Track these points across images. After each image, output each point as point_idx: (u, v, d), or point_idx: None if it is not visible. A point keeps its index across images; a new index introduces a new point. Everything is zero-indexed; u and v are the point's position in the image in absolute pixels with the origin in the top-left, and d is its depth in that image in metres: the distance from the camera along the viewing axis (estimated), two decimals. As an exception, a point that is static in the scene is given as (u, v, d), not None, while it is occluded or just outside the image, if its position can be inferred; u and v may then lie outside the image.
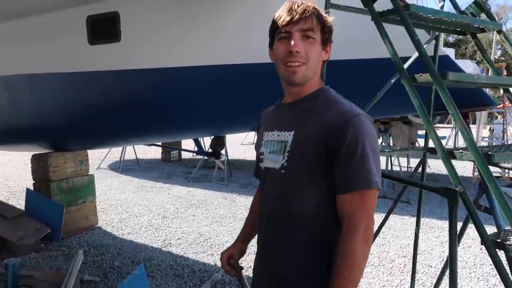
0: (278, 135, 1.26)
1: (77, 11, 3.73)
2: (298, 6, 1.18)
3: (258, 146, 1.37)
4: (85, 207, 5.09)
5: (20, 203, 5.73)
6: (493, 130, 10.67)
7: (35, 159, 4.86)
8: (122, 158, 9.93)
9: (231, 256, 1.47)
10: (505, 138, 9.25)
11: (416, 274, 2.99)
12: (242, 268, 1.48)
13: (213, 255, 4.18)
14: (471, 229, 2.98)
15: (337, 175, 1.15)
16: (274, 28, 1.23)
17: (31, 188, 4.99)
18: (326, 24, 1.22)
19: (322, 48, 1.23)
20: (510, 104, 9.25)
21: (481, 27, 2.30)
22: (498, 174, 7.54)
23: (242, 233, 1.53)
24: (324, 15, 1.23)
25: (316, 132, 1.17)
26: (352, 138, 1.12)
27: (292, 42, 1.17)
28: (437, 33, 2.68)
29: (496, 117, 13.12)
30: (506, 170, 7.19)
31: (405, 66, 1.96)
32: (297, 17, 1.17)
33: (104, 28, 3.68)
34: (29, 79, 4.22)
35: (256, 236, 1.41)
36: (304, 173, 1.18)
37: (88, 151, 5.28)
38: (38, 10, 3.88)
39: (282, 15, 1.20)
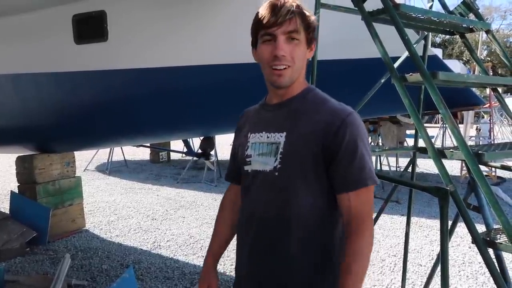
0: (268, 137, 1.22)
1: (62, 9, 3.66)
2: (281, 6, 1.13)
3: (243, 148, 1.30)
4: (72, 209, 5.00)
5: (4, 206, 5.62)
6: (479, 129, 10.85)
7: (19, 161, 4.77)
8: (109, 160, 9.81)
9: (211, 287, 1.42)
10: (492, 137, 9.40)
11: (406, 273, 3.01)
12: None
13: (203, 257, 4.13)
14: (459, 228, 3.00)
15: (338, 173, 1.15)
16: (257, 28, 1.18)
17: (16, 190, 4.89)
18: (310, 23, 1.18)
19: (307, 47, 1.20)
20: (496, 104, 9.39)
21: (470, 27, 2.31)
22: (485, 173, 7.63)
23: (210, 256, 1.45)
24: (307, 13, 1.18)
25: (309, 132, 1.16)
26: (352, 137, 1.13)
27: (278, 46, 1.13)
28: (426, 33, 2.69)
29: (483, 117, 13.34)
30: (493, 169, 7.29)
31: (395, 66, 1.95)
32: (281, 19, 1.12)
33: (90, 27, 3.61)
34: (13, 79, 4.13)
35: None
36: (299, 174, 1.17)
37: (75, 152, 5.20)
38: (22, 8, 3.80)
39: (265, 15, 1.14)
